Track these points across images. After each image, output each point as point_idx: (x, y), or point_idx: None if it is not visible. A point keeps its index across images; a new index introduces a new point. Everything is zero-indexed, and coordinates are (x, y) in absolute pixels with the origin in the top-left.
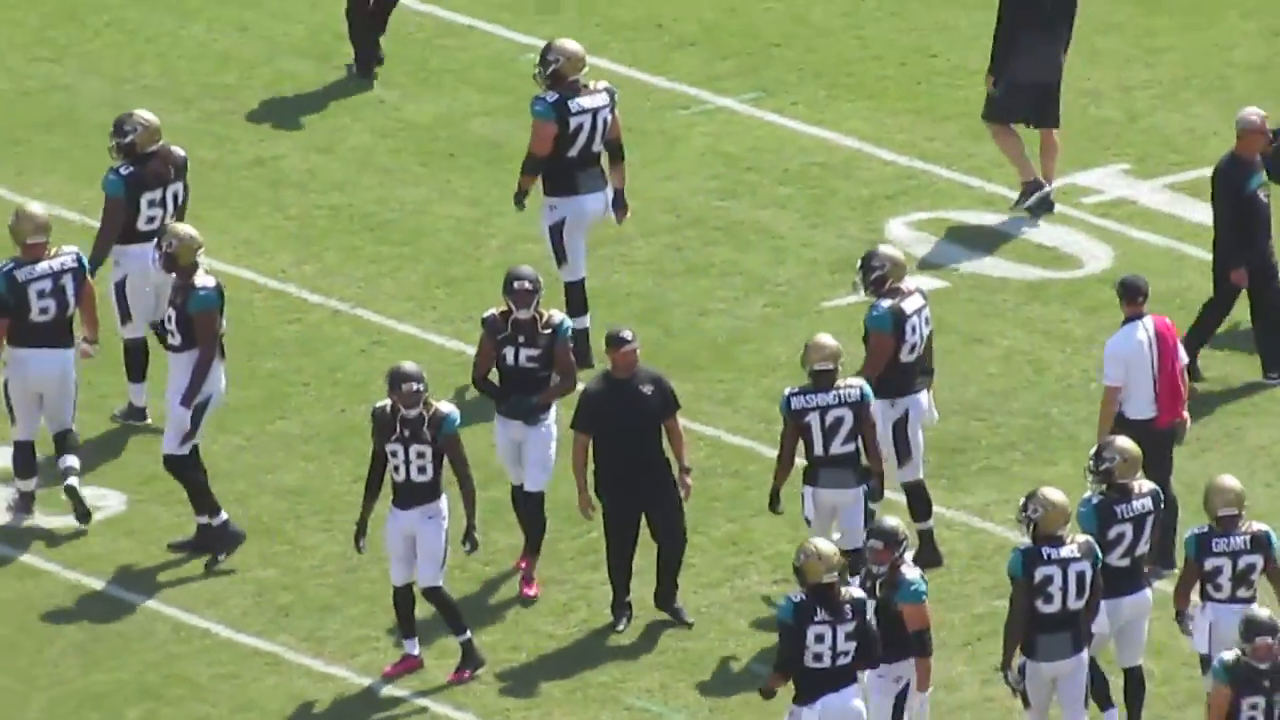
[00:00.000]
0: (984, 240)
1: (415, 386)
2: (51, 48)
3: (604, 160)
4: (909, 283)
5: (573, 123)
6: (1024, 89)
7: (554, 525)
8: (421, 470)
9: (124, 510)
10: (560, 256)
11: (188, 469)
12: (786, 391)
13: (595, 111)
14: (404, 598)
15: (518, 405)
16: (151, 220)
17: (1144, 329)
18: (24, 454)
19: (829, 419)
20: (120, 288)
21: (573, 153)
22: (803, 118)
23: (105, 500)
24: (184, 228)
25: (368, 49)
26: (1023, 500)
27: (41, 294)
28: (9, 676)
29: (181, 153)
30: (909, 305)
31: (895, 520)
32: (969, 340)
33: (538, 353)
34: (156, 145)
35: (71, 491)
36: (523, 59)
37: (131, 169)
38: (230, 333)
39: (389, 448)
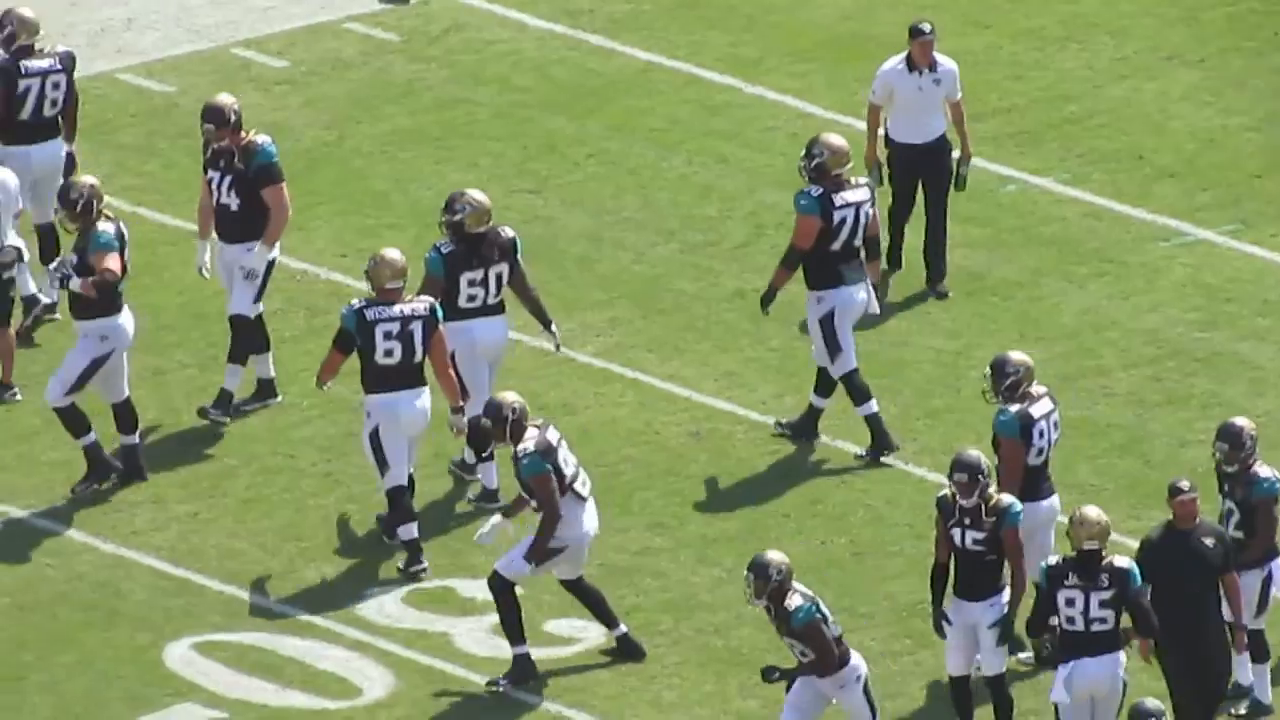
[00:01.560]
0: None
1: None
2: (533, 179)
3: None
4: (1038, 388)
5: (836, 216)
6: None
7: None
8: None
9: (603, 641)
10: (834, 349)
11: (501, 592)
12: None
13: (858, 206)
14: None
15: (970, 588)
16: (472, 299)
17: None
18: (402, 498)
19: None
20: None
21: (835, 246)
22: None
23: (584, 632)
24: (509, 396)
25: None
26: None
27: (388, 335)
28: None
29: (510, 234)
30: (1037, 410)
31: None
32: None
33: (983, 536)
34: (485, 227)
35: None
36: (1002, 190)
37: (453, 247)
38: (709, 464)
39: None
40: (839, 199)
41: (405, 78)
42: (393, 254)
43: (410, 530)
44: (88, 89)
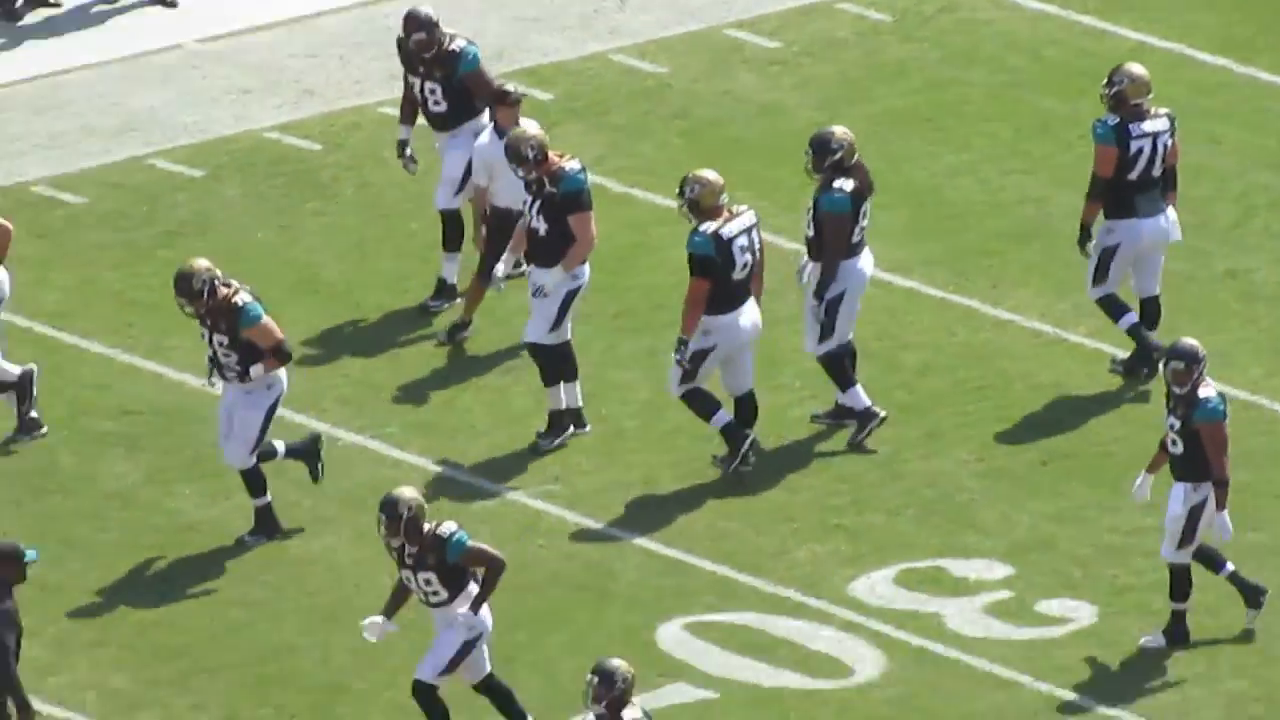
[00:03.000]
0: None
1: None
2: (1026, 160)
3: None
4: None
5: (1133, 146)
6: None
7: None
8: None
9: (1095, 622)
10: (1101, 276)
11: (426, 700)
12: None
13: (1155, 136)
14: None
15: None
16: (861, 231)
17: None
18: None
19: None
20: (834, 303)
21: (1131, 176)
22: None
23: (1076, 613)
24: (406, 493)
25: None
26: None
27: (742, 250)
28: None
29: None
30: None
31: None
32: None
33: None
34: (854, 159)
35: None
36: None
37: (853, 183)
38: None
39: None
40: (1136, 129)
41: (897, 58)
42: (710, 173)
43: (737, 431)
44: (581, 70)
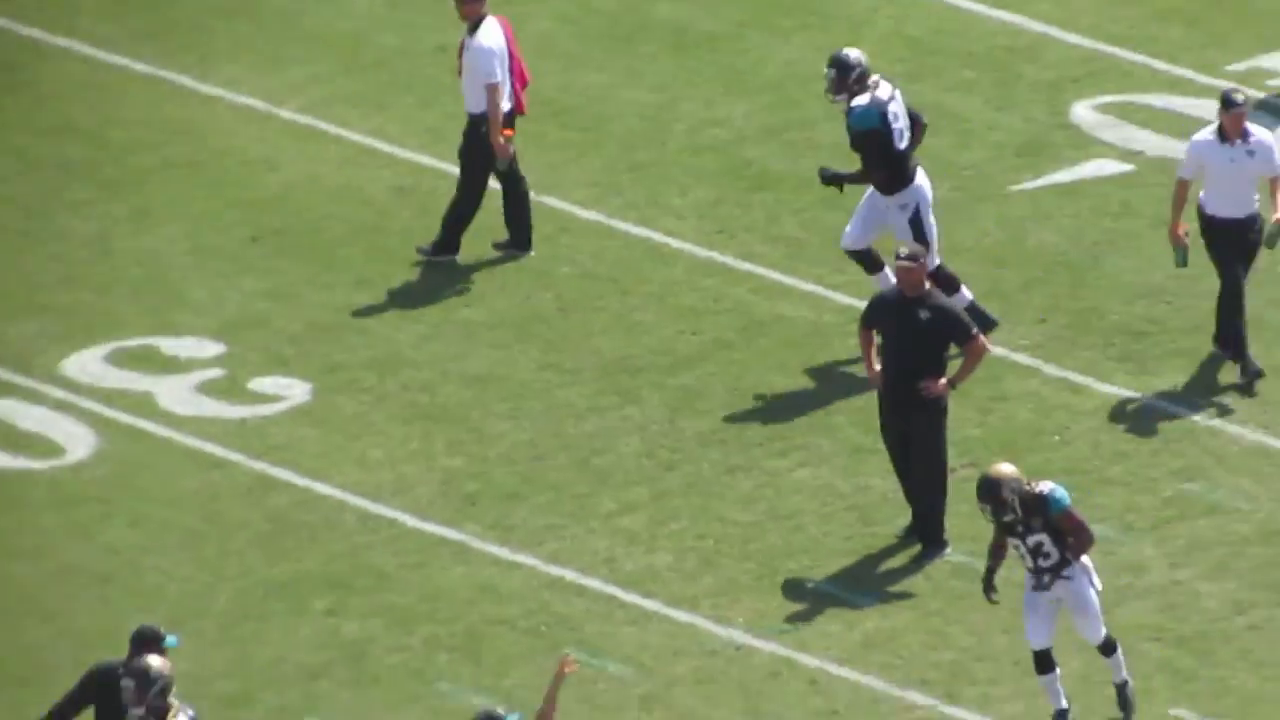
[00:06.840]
0: (1169, 123)
1: None
2: None
3: None
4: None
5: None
6: None
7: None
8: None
9: (309, 400)
10: None
11: None
12: None
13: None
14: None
15: None
16: None
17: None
18: None
19: None
20: None
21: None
22: (988, 1)
23: (290, 390)
24: None
25: None
26: None
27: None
28: (195, 567)
29: None
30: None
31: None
32: (1156, 224)
33: None
34: None
35: None
36: None
37: None
38: (413, 220)
39: None
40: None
41: None
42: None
43: None
44: None
